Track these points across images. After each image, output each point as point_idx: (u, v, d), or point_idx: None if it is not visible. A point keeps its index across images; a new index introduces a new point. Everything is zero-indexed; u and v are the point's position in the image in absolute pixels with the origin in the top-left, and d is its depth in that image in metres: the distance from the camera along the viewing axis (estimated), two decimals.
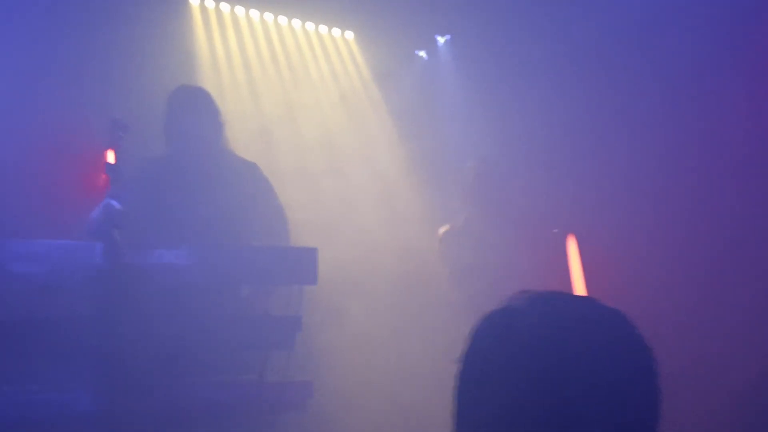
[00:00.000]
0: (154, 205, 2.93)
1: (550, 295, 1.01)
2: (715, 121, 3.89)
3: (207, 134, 3.11)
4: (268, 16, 4.85)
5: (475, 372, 0.97)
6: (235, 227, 3.06)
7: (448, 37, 5.25)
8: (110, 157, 2.35)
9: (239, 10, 4.74)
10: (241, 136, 3.91)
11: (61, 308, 2.29)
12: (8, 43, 3.53)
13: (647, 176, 4.04)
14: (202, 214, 2.99)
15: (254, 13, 4.79)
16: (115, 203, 2.16)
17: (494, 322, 0.99)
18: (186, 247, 2.36)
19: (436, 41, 5.30)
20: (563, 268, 3.75)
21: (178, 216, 2.95)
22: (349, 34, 5.14)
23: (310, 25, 5.01)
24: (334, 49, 5.07)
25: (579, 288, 3.68)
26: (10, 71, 3.51)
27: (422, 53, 5.38)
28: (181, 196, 2.99)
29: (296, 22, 4.96)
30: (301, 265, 2.41)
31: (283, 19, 4.91)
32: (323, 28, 5.06)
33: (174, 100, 3.14)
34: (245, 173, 3.19)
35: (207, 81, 4.31)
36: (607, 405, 0.91)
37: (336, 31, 5.10)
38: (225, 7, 4.68)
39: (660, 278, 3.83)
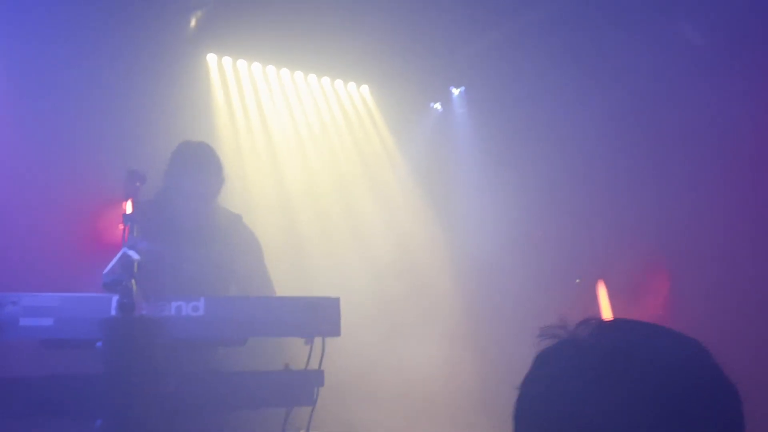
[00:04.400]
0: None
1: (620, 324, 0.93)
2: (734, 166, 3.85)
3: (203, 192, 3.07)
4: (285, 72, 4.91)
5: (537, 401, 0.90)
6: (219, 281, 3.06)
7: (462, 88, 5.29)
8: (127, 207, 2.31)
9: (256, 66, 4.80)
10: (257, 187, 3.90)
11: (73, 363, 2.21)
12: (27, 95, 3.58)
13: (672, 217, 3.97)
14: (186, 270, 2.98)
15: (271, 69, 4.85)
16: (132, 253, 2.10)
17: (560, 351, 0.91)
18: (204, 299, 2.28)
19: (450, 93, 5.33)
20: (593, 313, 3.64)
21: (162, 268, 2.91)
22: (365, 88, 5.18)
23: (326, 80, 5.07)
24: (350, 102, 5.10)
25: None
26: (31, 124, 3.55)
27: (437, 105, 5.40)
28: (163, 250, 2.96)
29: (312, 78, 5.01)
30: (324, 316, 2.32)
31: (299, 75, 4.96)
32: (339, 83, 5.11)
33: (176, 155, 3.11)
34: (230, 227, 3.18)
35: (224, 134, 4.34)
36: None
37: (351, 86, 5.15)
38: (242, 63, 4.75)
39: (689, 323, 3.71)
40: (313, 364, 2.36)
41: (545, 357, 0.93)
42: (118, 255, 2.12)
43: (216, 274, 3.05)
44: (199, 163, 3.07)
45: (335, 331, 2.34)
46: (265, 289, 3.16)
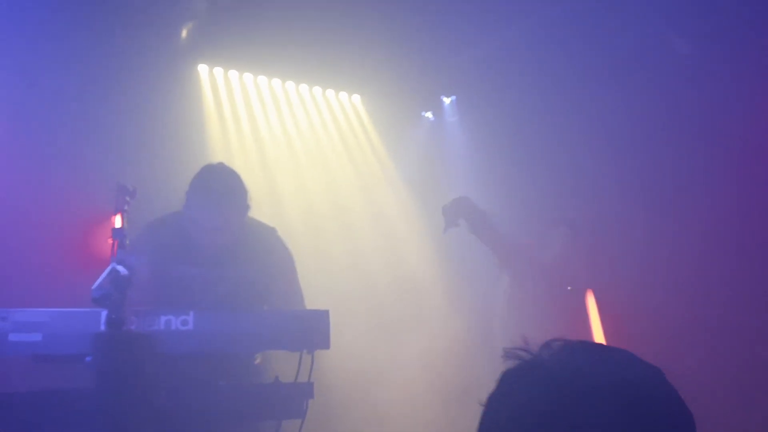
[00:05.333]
0: (165, 275, 2.87)
1: (581, 345, 0.95)
2: (724, 175, 3.89)
3: (221, 226, 2.87)
4: (276, 82, 4.93)
5: (499, 419, 0.93)
6: (254, 299, 2.95)
7: (453, 97, 5.32)
8: (117, 221, 2.31)
9: (247, 77, 4.82)
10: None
11: (62, 378, 2.21)
12: (16, 105, 3.57)
13: (662, 226, 4.00)
14: (220, 292, 2.90)
15: (262, 79, 4.87)
16: (121, 268, 2.10)
17: (522, 373, 0.94)
18: (193, 313, 2.28)
19: (441, 102, 5.36)
20: (582, 323, 3.66)
21: (194, 291, 2.87)
22: (356, 98, 5.20)
23: (317, 90, 5.09)
24: (342, 112, 5.12)
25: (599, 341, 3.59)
26: (19, 136, 3.55)
27: (428, 114, 5.43)
28: (193, 273, 2.90)
29: (304, 87, 5.03)
30: (313, 328, 2.33)
31: (290, 85, 4.98)
32: (330, 93, 5.13)
33: (196, 184, 2.89)
34: (263, 244, 3.03)
35: (215, 145, 4.35)
36: None
37: (343, 95, 5.17)
38: (233, 74, 4.76)
39: (678, 332, 3.75)
40: (303, 377, 2.37)
41: (509, 378, 0.95)
42: (107, 270, 2.12)
43: (248, 295, 2.92)
44: (216, 197, 2.84)
45: (324, 344, 2.35)
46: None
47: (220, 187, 2.89)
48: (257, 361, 2.90)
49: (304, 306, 3.08)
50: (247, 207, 2.96)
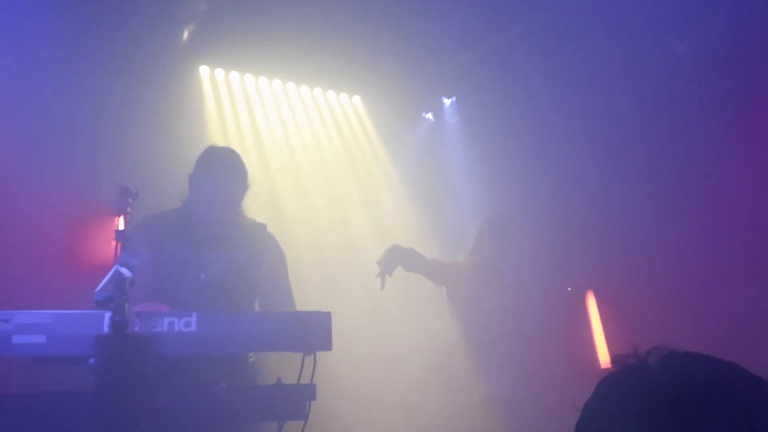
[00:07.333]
0: (159, 255, 2.91)
1: (688, 356, 0.93)
2: (721, 175, 3.90)
3: (224, 198, 3.01)
4: (277, 83, 4.93)
5: (595, 423, 0.89)
6: (243, 285, 3.02)
7: (453, 98, 5.33)
8: (120, 223, 2.32)
9: (248, 78, 4.83)
10: (248, 198, 3.89)
11: (65, 380, 2.22)
12: (16, 106, 3.58)
13: (660, 227, 4.01)
14: (212, 271, 2.97)
15: (263, 80, 4.88)
16: (124, 270, 2.11)
17: (625, 378, 0.90)
18: (196, 315, 2.29)
19: (442, 103, 5.37)
20: (583, 323, 3.68)
21: (187, 270, 2.93)
22: (357, 99, 5.21)
23: (318, 91, 5.09)
24: (342, 112, 5.13)
25: (600, 343, 3.61)
26: (19, 136, 3.55)
27: (429, 115, 5.44)
28: (188, 254, 2.97)
29: (304, 89, 5.04)
30: (315, 330, 2.33)
31: (291, 86, 4.99)
32: (331, 94, 5.13)
33: (200, 160, 3.06)
34: (254, 234, 3.14)
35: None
36: None
37: (344, 97, 5.18)
38: (234, 75, 4.77)
39: (678, 330, 3.76)
40: (305, 378, 2.38)
41: (609, 382, 0.92)
42: (111, 272, 2.13)
43: (241, 277, 3.01)
44: (221, 169, 3.02)
45: (326, 346, 2.35)
46: (286, 308, 3.09)
47: (225, 160, 3.07)
48: (251, 359, 2.92)
49: (292, 304, 3.14)
50: (246, 186, 3.11)
